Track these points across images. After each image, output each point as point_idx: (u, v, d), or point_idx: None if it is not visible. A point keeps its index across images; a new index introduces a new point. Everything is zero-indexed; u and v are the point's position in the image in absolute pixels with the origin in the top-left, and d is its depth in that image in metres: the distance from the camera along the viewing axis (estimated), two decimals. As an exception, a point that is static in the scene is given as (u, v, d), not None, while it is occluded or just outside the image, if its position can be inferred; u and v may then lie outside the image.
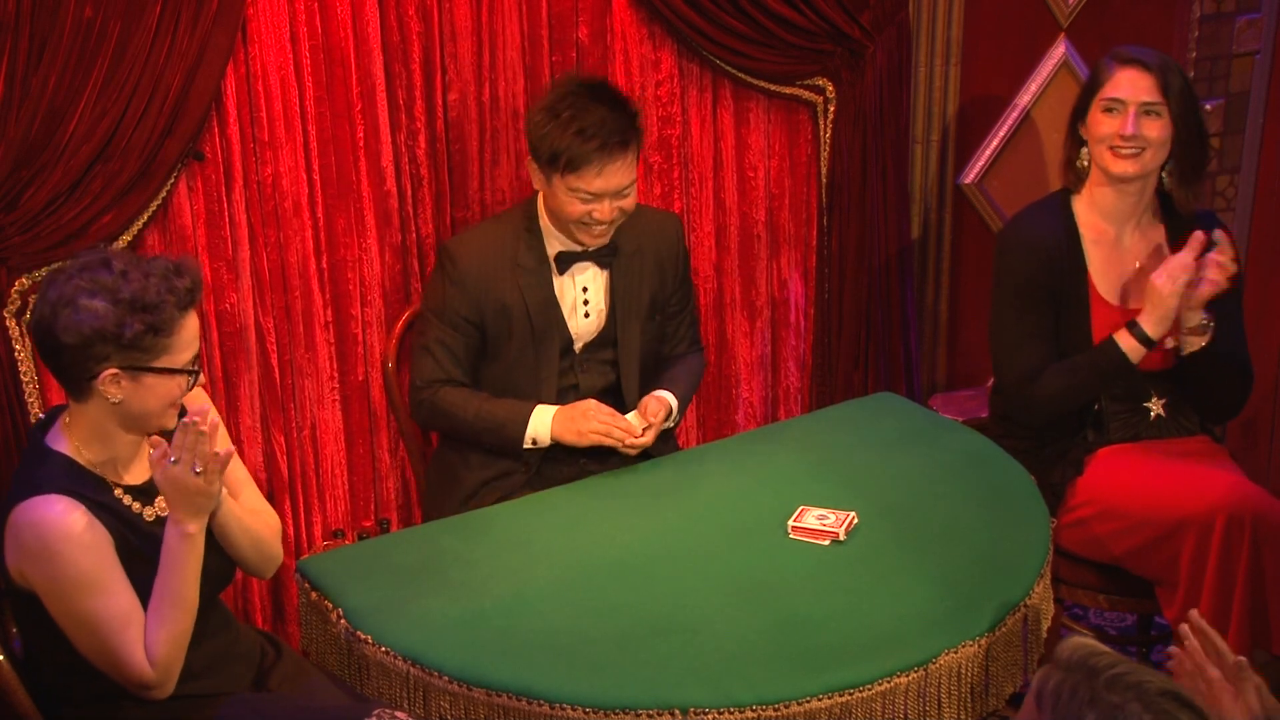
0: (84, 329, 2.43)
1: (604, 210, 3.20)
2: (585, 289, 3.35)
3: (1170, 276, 3.21)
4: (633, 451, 3.26)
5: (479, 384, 3.38)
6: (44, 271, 3.15)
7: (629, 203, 3.24)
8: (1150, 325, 3.25)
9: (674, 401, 3.35)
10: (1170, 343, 3.31)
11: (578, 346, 3.37)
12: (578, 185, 3.18)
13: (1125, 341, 3.27)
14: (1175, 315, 3.24)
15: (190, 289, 2.52)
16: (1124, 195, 3.37)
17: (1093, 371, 3.32)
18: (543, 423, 3.27)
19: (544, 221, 3.31)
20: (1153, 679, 1.81)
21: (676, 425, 3.43)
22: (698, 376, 3.55)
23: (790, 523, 2.92)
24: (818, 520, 2.91)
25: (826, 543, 2.87)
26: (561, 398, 3.35)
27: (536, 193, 3.33)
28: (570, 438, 3.25)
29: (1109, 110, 3.32)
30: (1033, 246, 3.37)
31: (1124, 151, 3.31)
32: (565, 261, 3.32)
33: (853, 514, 2.93)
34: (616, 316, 3.37)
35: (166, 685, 2.52)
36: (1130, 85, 3.29)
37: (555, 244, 3.31)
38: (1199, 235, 3.23)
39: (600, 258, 3.33)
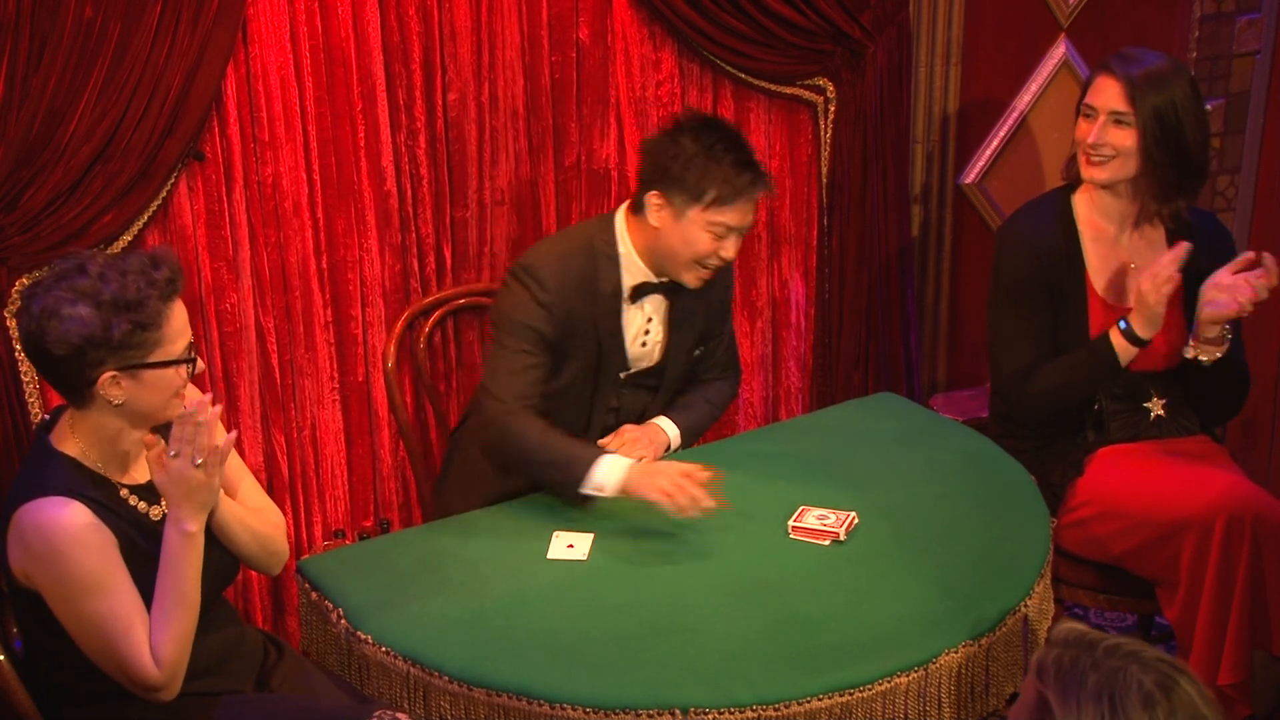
0: (72, 338, 2.42)
1: (730, 247, 3.16)
2: (650, 319, 3.30)
3: (1153, 282, 3.20)
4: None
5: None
6: (44, 272, 3.15)
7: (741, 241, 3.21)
8: (1138, 326, 3.25)
9: (673, 432, 3.33)
10: (1191, 352, 3.30)
11: (627, 372, 3.33)
12: (719, 219, 3.11)
13: (1116, 340, 3.27)
14: (1163, 317, 3.24)
15: (170, 279, 2.50)
16: (1117, 195, 3.37)
17: (1086, 369, 3.32)
18: (613, 473, 2.98)
19: (624, 250, 3.22)
20: (1147, 649, 1.89)
21: (678, 451, 3.39)
22: (720, 407, 3.48)
23: (790, 523, 2.92)
24: (818, 520, 2.91)
25: (826, 543, 2.87)
26: (604, 419, 3.32)
27: (610, 216, 3.26)
28: (639, 489, 2.95)
29: (1086, 116, 3.32)
30: (1030, 244, 3.37)
31: (1093, 158, 3.31)
32: (641, 292, 3.25)
33: (853, 514, 2.93)
34: (670, 348, 3.34)
35: (172, 686, 2.51)
36: (1102, 93, 3.29)
37: (634, 275, 3.23)
38: (1184, 246, 3.22)
39: (671, 290, 3.27)
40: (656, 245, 3.18)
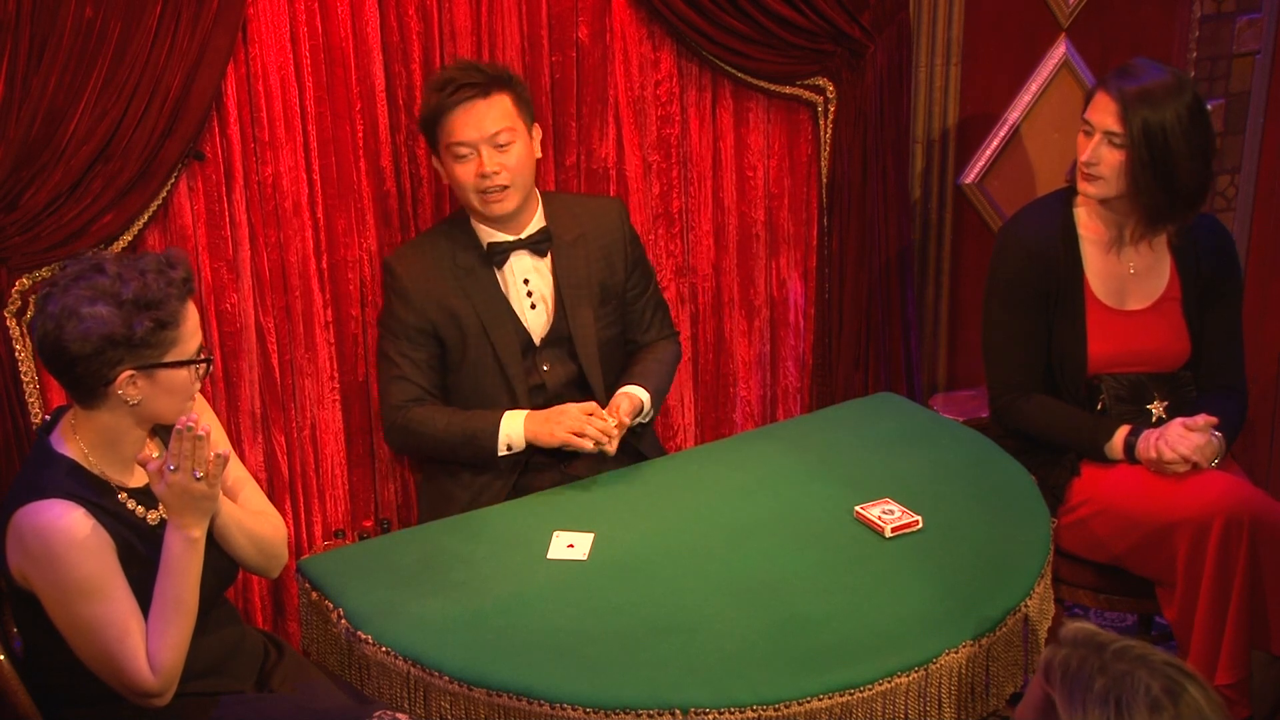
0: (93, 336, 2.43)
1: (484, 161, 3.21)
2: (526, 280, 3.35)
3: (1173, 451, 3.23)
4: (609, 451, 3.21)
5: (449, 398, 3.38)
6: (44, 272, 3.15)
7: (512, 158, 3.24)
8: (1141, 457, 3.29)
9: (645, 397, 3.34)
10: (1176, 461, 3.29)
11: (536, 341, 3.37)
12: (451, 141, 3.23)
13: (1116, 439, 3.31)
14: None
15: (185, 279, 2.53)
16: (1111, 209, 3.37)
17: (1078, 431, 3.36)
18: (514, 428, 3.25)
19: (474, 218, 3.34)
20: (1156, 653, 1.89)
21: (651, 420, 3.42)
22: (671, 366, 3.53)
23: (858, 507, 2.96)
24: (882, 513, 2.94)
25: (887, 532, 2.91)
26: (531, 397, 3.35)
27: None
28: (545, 438, 3.22)
29: (1085, 132, 3.32)
30: (1026, 247, 3.38)
31: (1086, 174, 3.31)
32: (499, 253, 3.33)
33: (918, 519, 2.94)
34: (565, 307, 3.37)
35: (167, 693, 2.52)
36: (1099, 111, 3.27)
37: (487, 236, 3.34)
38: (1207, 419, 3.25)
39: (534, 245, 3.34)
40: (461, 200, 3.32)
